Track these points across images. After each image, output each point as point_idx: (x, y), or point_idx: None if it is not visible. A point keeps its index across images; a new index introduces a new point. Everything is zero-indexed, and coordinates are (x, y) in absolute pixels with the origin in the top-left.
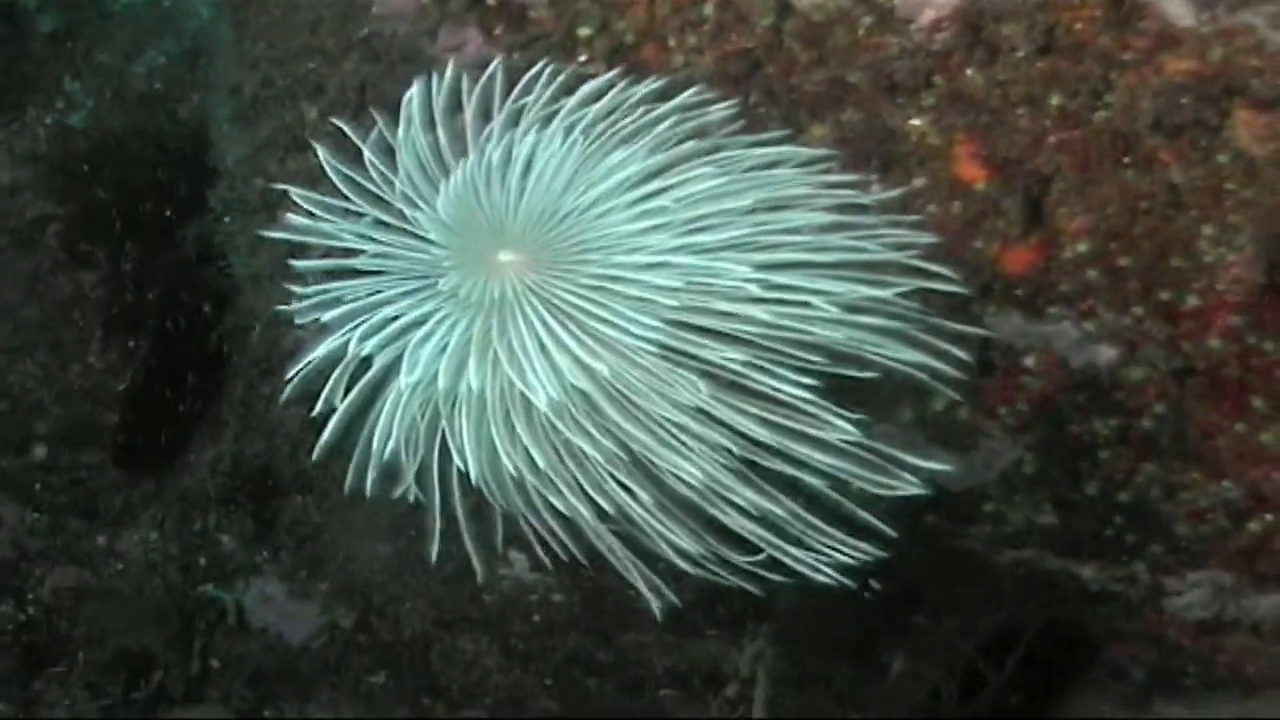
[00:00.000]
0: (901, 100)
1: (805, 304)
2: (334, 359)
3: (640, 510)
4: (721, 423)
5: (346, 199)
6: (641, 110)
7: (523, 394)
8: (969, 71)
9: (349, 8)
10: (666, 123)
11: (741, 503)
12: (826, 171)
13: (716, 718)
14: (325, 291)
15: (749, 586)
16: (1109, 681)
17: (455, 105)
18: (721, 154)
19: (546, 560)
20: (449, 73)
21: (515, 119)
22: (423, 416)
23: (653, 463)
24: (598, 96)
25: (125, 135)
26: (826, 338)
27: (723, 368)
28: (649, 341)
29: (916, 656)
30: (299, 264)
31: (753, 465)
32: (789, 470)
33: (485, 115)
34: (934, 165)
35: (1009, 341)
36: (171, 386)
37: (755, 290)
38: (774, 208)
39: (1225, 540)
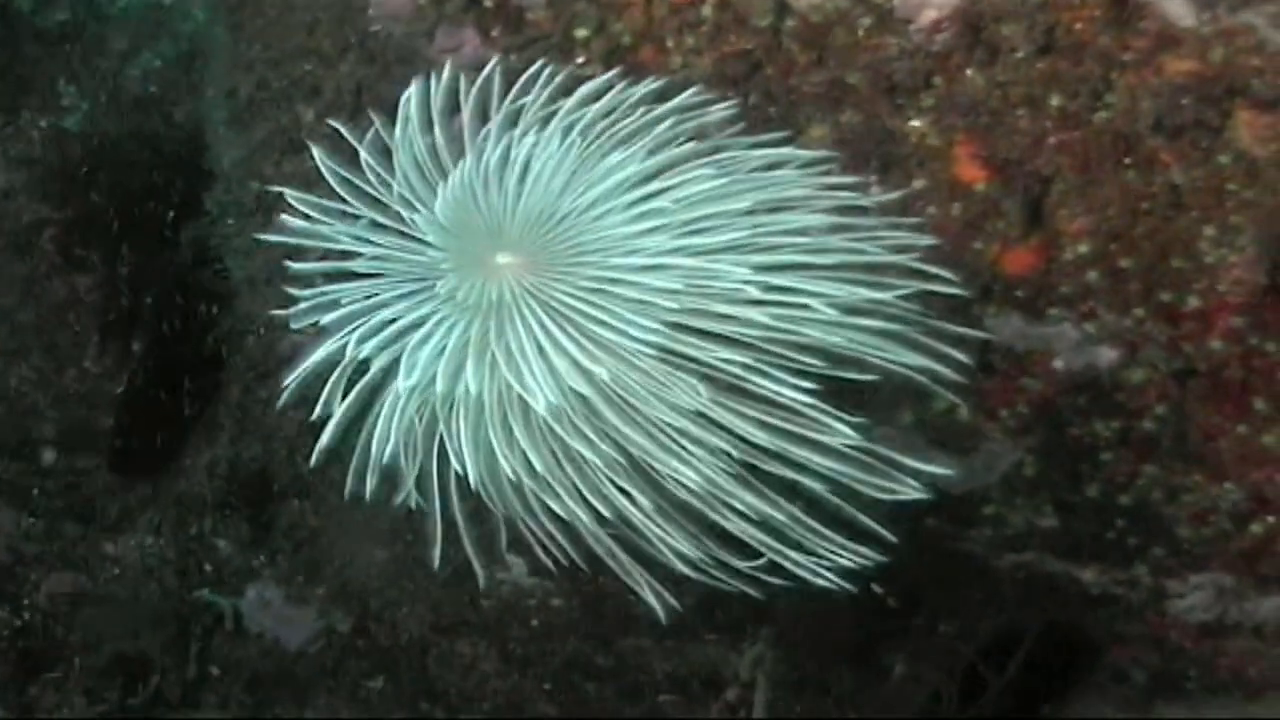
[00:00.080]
0: (901, 101)
1: (805, 306)
2: (331, 363)
3: (639, 515)
4: (721, 426)
5: (343, 201)
6: (640, 111)
7: (521, 397)
8: (969, 72)
9: (345, 10)
10: (665, 124)
11: (741, 507)
12: (826, 173)
13: (715, 718)
14: (321, 294)
15: (749, 590)
16: (1110, 684)
17: (453, 106)
18: (721, 155)
19: (553, 563)
20: (446, 73)
21: (513, 120)
22: (420, 420)
23: (652, 467)
24: (596, 97)
25: (121, 138)
26: (826, 340)
27: (722, 371)
28: (648, 344)
29: (917, 660)
30: (295, 266)
31: (752, 469)
32: (789, 474)
33: (483, 116)
34: (934, 166)
35: (1009, 343)
36: (168, 390)
37: (755, 292)
38: (773, 209)
39: (1227, 543)
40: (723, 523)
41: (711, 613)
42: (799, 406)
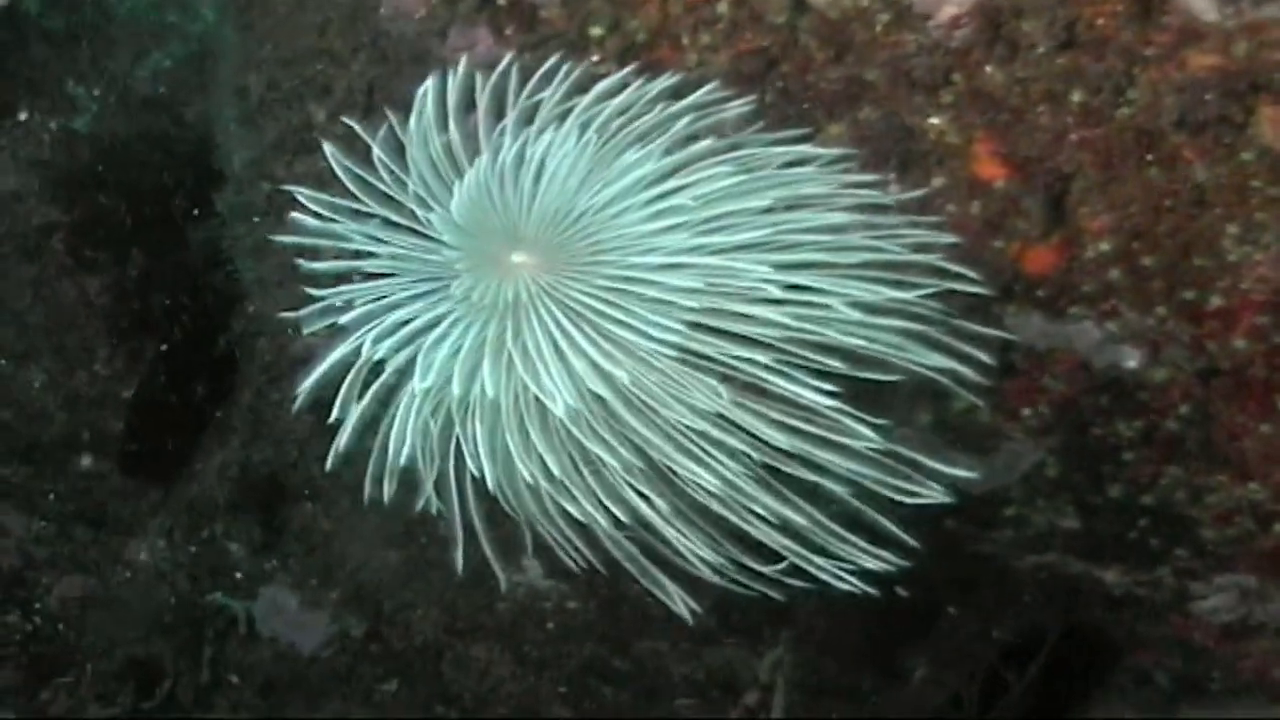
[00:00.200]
0: (920, 98)
1: (826, 306)
2: (346, 365)
3: (658, 518)
4: (741, 428)
5: (356, 199)
6: (657, 108)
7: (538, 399)
8: (988, 68)
9: (357, 8)
10: (683, 120)
11: (761, 510)
12: (845, 171)
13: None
14: (335, 295)
15: (770, 593)
16: (1132, 687)
17: (468, 105)
18: (739, 152)
19: (575, 565)
20: (461, 70)
21: (529, 117)
22: (436, 422)
23: (671, 470)
24: (612, 94)
25: (130, 139)
26: (847, 341)
27: (742, 372)
28: (667, 345)
29: (937, 662)
30: (307, 265)
31: (773, 471)
32: (810, 477)
33: (498, 114)
34: (953, 164)
35: (1030, 343)
36: (179, 393)
37: (775, 291)
38: (793, 207)
39: (1252, 543)
40: (743, 526)
41: (729, 616)
42: (820, 408)
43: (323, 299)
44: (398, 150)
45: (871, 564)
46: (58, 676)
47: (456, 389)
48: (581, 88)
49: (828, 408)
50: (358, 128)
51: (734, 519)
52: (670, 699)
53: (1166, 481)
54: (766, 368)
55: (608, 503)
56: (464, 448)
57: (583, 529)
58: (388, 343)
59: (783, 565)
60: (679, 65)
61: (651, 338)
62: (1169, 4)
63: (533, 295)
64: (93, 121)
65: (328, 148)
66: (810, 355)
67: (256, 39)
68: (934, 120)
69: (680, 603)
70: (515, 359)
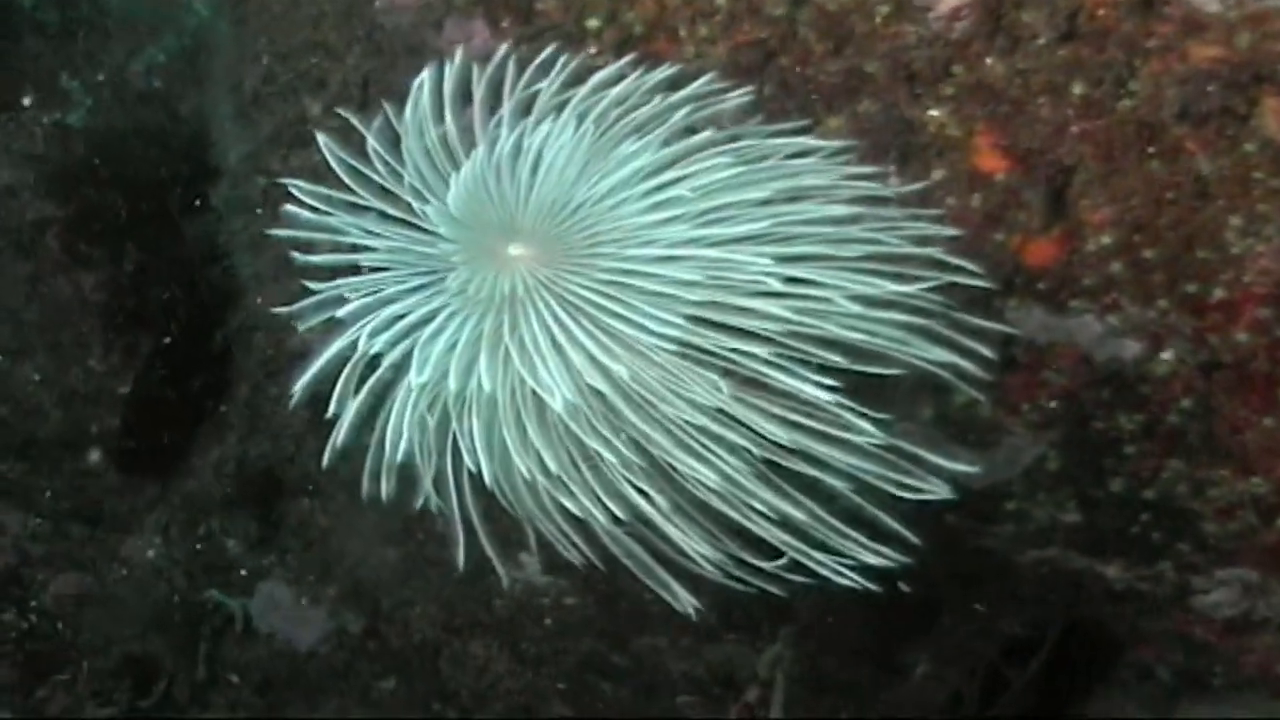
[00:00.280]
0: (920, 90)
1: (826, 299)
2: (342, 359)
3: (658, 514)
4: (742, 424)
5: (351, 192)
6: (655, 99)
7: (535, 394)
8: (989, 60)
9: (352, 1)
10: (681, 112)
11: (762, 506)
12: (845, 163)
13: (734, 719)
14: (330, 289)
15: (770, 589)
16: (1134, 682)
17: (464, 96)
18: (738, 144)
19: (579, 560)
20: (457, 61)
21: (525, 109)
22: (433, 417)
23: (671, 465)
24: (609, 85)
25: (125, 134)
26: (848, 335)
27: (743, 366)
28: (667, 338)
29: (938, 658)
30: (301, 258)
31: (774, 467)
32: (811, 472)
33: (494, 106)
34: (953, 157)
35: (1031, 336)
36: (175, 389)
37: (776, 284)
38: (793, 199)
39: (1254, 537)
40: (744, 522)
41: (729, 612)
42: (821, 403)
43: (317, 293)
44: (393, 143)
45: (872, 559)
46: (54, 674)
47: (453, 384)
48: (578, 79)
49: (828, 402)
50: (353, 119)
51: (734, 515)
52: (670, 695)
53: (1168, 475)
54: (767, 362)
55: (606, 499)
56: (460, 443)
57: (581, 525)
58: (384, 337)
59: (783, 561)
60: (676, 58)
61: (651, 331)
62: None
63: (530, 288)
64: (87, 116)
65: (322, 139)
66: (811, 349)
67: (251, 33)
68: (934, 112)
69: (682, 598)
70: (512, 353)
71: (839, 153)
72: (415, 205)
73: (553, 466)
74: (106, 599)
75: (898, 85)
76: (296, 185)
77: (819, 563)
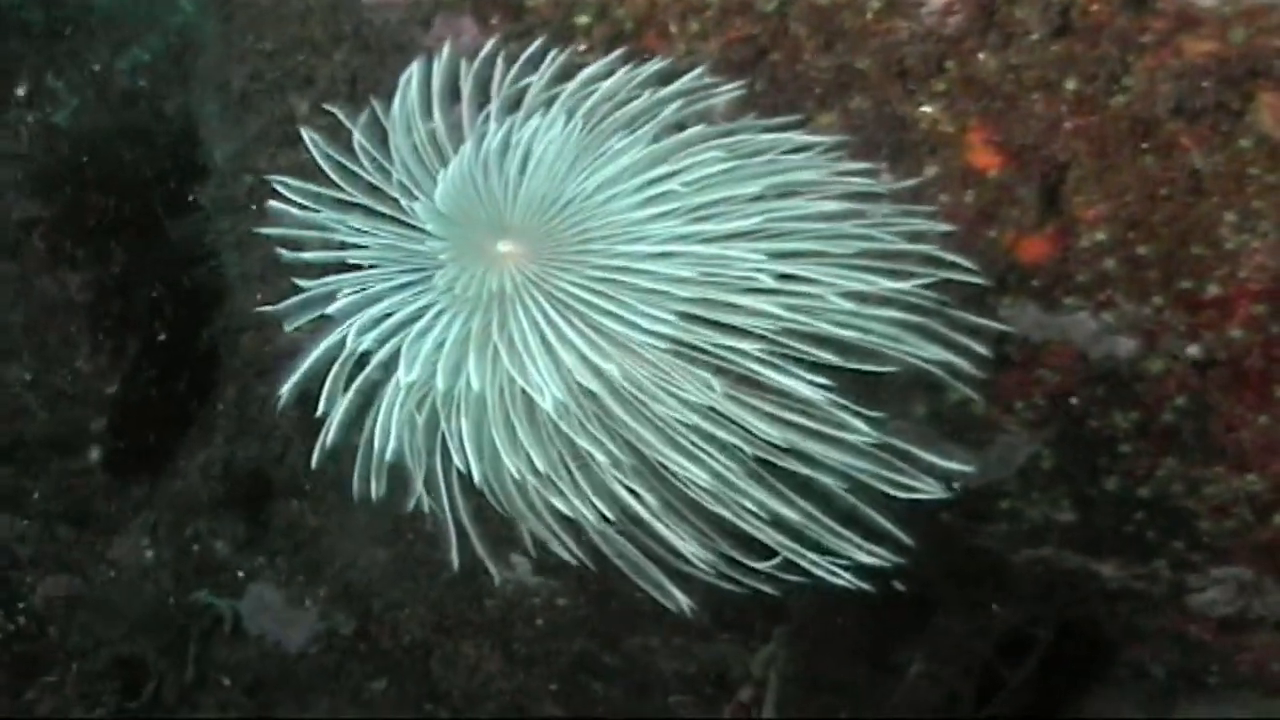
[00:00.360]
0: (912, 87)
1: (820, 296)
2: (331, 358)
3: (649, 514)
4: (734, 422)
5: (339, 189)
6: (645, 93)
7: (524, 393)
8: (982, 56)
9: None
10: (671, 106)
11: (754, 506)
12: (838, 159)
13: (728, 718)
14: (317, 287)
15: (763, 588)
16: (1130, 681)
17: (452, 93)
18: (730, 139)
19: (573, 559)
20: (445, 55)
21: (514, 104)
22: (421, 416)
23: (663, 465)
24: (599, 79)
25: (111, 134)
26: (842, 332)
27: (735, 364)
28: (659, 336)
29: (932, 658)
30: (288, 255)
31: (767, 465)
32: (804, 471)
33: (483, 102)
34: (946, 153)
35: (1025, 334)
36: (162, 390)
37: (768, 281)
38: (785, 194)
39: (1249, 535)
40: (736, 521)
41: (721, 611)
42: (815, 401)
43: (304, 291)
44: (381, 140)
45: (866, 559)
46: (42, 676)
47: (441, 383)
48: (567, 75)
49: (821, 400)
50: (340, 115)
51: (727, 514)
52: (662, 695)
53: (1163, 473)
54: (759, 359)
55: (597, 499)
56: (449, 443)
57: (572, 525)
58: (371, 335)
59: (776, 561)
60: (667, 54)
61: (642, 329)
62: None
63: (518, 286)
64: (72, 116)
65: (307, 135)
66: (804, 347)
67: (237, 30)
68: (927, 109)
69: (674, 597)
70: (501, 352)
71: (831, 149)
72: (403, 202)
73: (542, 466)
74: (95, 601)
75: (890, 81)
76: (283, 182)
77: (812, 562)
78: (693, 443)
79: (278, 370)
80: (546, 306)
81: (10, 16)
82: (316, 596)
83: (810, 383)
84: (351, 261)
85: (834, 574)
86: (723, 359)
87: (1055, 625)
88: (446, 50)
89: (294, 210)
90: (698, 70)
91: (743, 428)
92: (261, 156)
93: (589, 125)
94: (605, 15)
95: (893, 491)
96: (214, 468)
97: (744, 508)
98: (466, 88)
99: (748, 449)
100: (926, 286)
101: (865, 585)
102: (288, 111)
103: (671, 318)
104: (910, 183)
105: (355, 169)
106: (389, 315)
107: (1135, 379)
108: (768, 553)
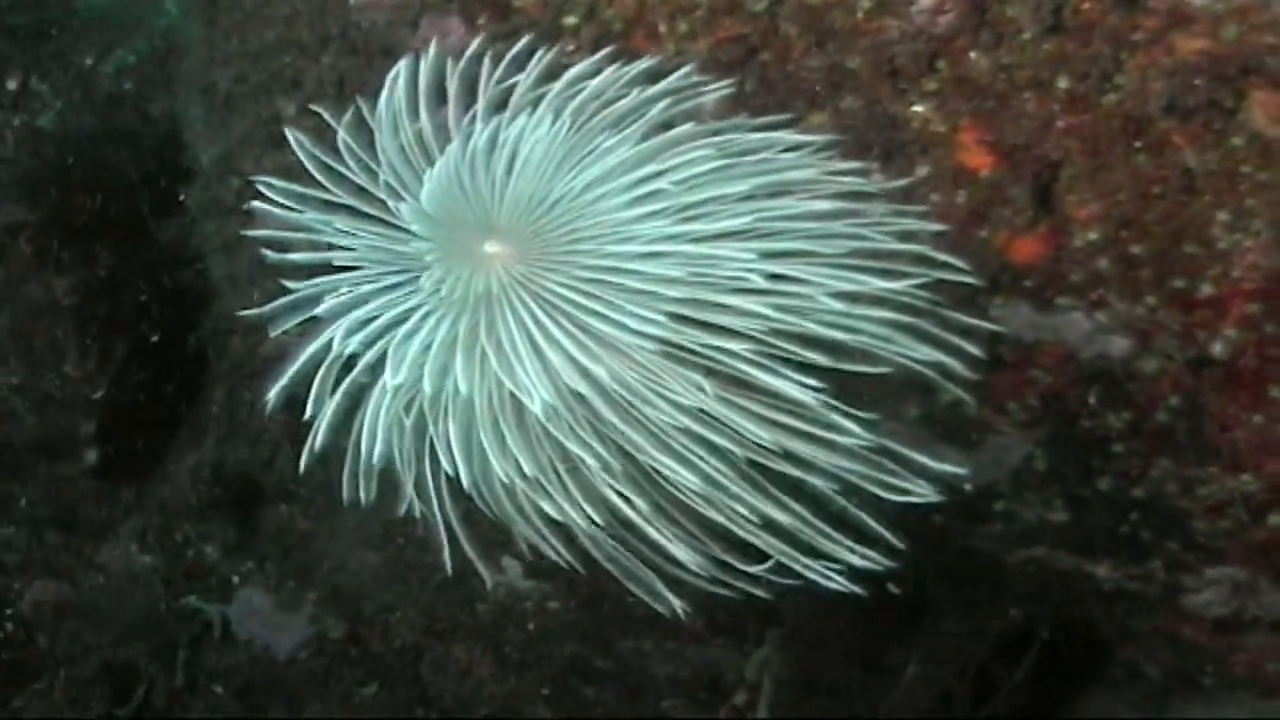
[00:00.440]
0: (903, 86)
1: (811, 296)
2: (317, 361)
3: (639, 518)
4: (725, 425)
5: (325, 190)
6: (633, 92)
7: (513, 395)
8: (973, 55)
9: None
10: (659, 105)
11: (746, 510)
12: (829, 159)
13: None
14: (302, 289)
15: (756, 591)
16: (1124, 682)
17: (439, 94)
18: (720, 138)
19: (566, 562)
20: (431, 55)
21: (500, 103)
22: (409, 418)
23: (653, 468)
24: (587, 78)
25: (96, 137)
26: (834, 333)
27: (726, 365)
28: (649, 337)
29: (927, 660)
30: (274, 257)
31: (759, 468)
32: (796, 473)
33: (469, 102)
34: (937, 153)
35: (1018, 334)
36: (150, 394)
37: (760, 281)
38: (776, 194)
39: (1244, 535)
40: (728, 525)
41: (714, 615)
42: (807, 403)
43: (290, 293)
44: (367, 141)
45: (859, 562)
46: (31, 683)
47: (428, 386)
48: (554, 74)
49: (813, 402)
50: (326, 116)
51: (718, 518)
52: (655, 699)
53: (1157, 474)
54: (750, 361)
55: (587, 503)
56: (437, 446)
57: (562, 528)
58: (358, 337)
59: (769, 564)
60: (656, 55)
61: (632, 330)
62: None
63: (506, 287)
64: (57, 118)
65: (292, 135)
66: (795, 348)
67: (223, 32)
68: (918, 108)
69: (667, 601)
70: (489, 354)
71: (822, 148)
72: (390, 203)
73: (530, 470)
74: (84, 606)
75: (881, 81)
76: (268, 183)
77: (805, 565)
78: (683, 445)
79: (266, 373)
80: (534, 307)
81: None
82: (306, 600)
83: (801, 384)
84: (338, 263)
85: (827, 577)
86: (713, 360)
87: (1050, 626)
88: (433, 50)
89: (280, 212)
90: (686, 69)
91: (733, 430)
92: (248, 159)
93: (576, 124)
94: (594, 16)
95: (885, 494)
96: (203, 472)
97: (736, 511)
98: (453, 87)
99: (739, 451)
100: (918, 287)
101: (858, 589)
102: (274, 114)
103: (661, 318)
104: (902, 182)
105: (341, 170)
106: (376, 317)
107: (1129, 379)
108: (760, 556)
